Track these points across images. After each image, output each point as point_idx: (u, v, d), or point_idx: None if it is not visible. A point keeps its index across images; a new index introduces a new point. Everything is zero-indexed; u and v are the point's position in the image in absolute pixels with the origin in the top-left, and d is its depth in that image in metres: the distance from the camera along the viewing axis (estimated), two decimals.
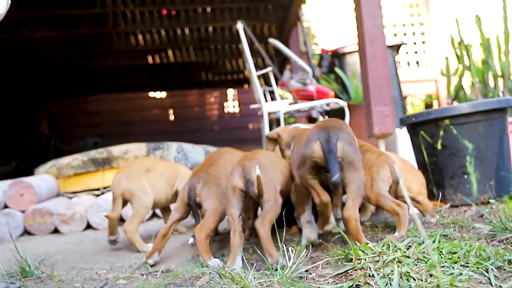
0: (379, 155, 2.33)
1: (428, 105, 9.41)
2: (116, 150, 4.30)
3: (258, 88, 4.82)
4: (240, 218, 2.11)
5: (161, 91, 10.91)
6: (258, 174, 2.00)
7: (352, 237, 1.97)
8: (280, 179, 2.21)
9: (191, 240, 2.60)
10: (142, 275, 2.17)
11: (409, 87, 8.08)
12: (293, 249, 1.98)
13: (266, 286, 1.70)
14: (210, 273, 2.00)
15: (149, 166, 2.94)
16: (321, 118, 6.20)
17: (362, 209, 2.71)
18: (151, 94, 10.98)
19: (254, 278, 1.78)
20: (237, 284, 1.72)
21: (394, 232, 2.16)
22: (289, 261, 1.84)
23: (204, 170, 2.43)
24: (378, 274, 1.60)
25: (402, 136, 4.34)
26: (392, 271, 1.57)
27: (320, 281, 1.75)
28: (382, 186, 2.24)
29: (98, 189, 4.34)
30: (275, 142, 2.59)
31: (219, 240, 2.78)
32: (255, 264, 2.10)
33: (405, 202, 2.27)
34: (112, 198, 2.81)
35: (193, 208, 2.32)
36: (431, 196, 3.05)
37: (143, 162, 2.97)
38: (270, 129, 5.62)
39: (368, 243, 1.93)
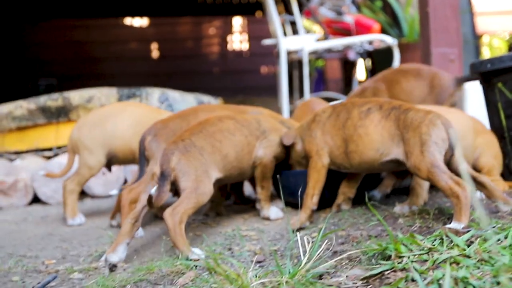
0: (427, 112, 2.32)
1: None
2: (76, 96, 4.30)
3: (274, 16, 4.76)
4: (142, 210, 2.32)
5: (141, 17, 10.83)
6: (151, 193, 2.25)
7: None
8: (222, 162, 2.54)
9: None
10: (104, 267, 2.20)
11: (487, 21, 7.93)
12: (309, 239, 1.98)
13: None
14: (196, 267, 2.03)
15: (117, 113, 3.12)
16: (361, 62, 6.14)
17: (410, 194, 2.72)
18: (128, 21, 10.90)
19: (256, 276, 1.79)
20: (231, 283, 1.74)
21: (450, 222, 2.16)
22: (304, 255, 1.85)
23: (165, 121, 2.83)
24: (425, 279, 1.60)
25: (474, 89, 4.28)
26: (444, 275, 1.57)
27: (345, 284, 1.76)
28: (436, 152, 2.23)
29: (50, 149, 4.37)
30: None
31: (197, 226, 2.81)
32: (255, 257, 2.12)
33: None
34: None
35: (141, 162, 2.75)
36: (506, 174, 3.03)
37: (110, 108, 3.19)
38: (290, 74, 5.58)
39: (414, 236, 1.93)
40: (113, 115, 3.09)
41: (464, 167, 2.33)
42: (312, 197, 2.59)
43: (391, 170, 2.67)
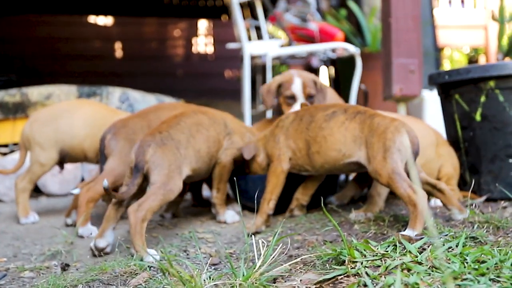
0: (393, 120, 2.35)
1: (473, 61, 9.42)
2: (35, 93, 4.24)
3: (239, 21, 4.76)
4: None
5: (106, 15, 10.72)
6: (105, 186, 2.22)
7: None
8: (195, 157, 2.54)
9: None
10: (56, 266, 2.17)
11: (449, 34, 8.07)
12: (265, 243, 1.99)
13: None
14: (150, 268, 2.01)
15: (71, 111, 3.07)
16: (323, 69, 6.18)
17: (368, 202, 2.75)
18: (92, 19, 10.78)
19: (210, 278, 1.79)
20: (184, 285, 1.73)
21: (405, 229, 2.18)
22: (259, 259, 1.85)
23: (125, 120, 2.82)
24: (377, 284, 1.61)
25: (432, 100, 4.35)
26: (395, 280, 1.59)
27: None
28: (398, 159, 2.26)
29: (6, 145, 4.29)
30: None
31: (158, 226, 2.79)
32: (209, 260, 2.12)
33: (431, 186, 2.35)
34: None
35: (102, 160, 2.73)
36: (462, 183, 3.08)
37: (64, 105, 3.16)
38: (253, 80, 5.59)
39: (368, 242, 1.95)
40: (66, 113, 3.05)
41: (423, 175, 2.36)
42: (269, 202, 2.60)
43: (352, 172, 2.71)
